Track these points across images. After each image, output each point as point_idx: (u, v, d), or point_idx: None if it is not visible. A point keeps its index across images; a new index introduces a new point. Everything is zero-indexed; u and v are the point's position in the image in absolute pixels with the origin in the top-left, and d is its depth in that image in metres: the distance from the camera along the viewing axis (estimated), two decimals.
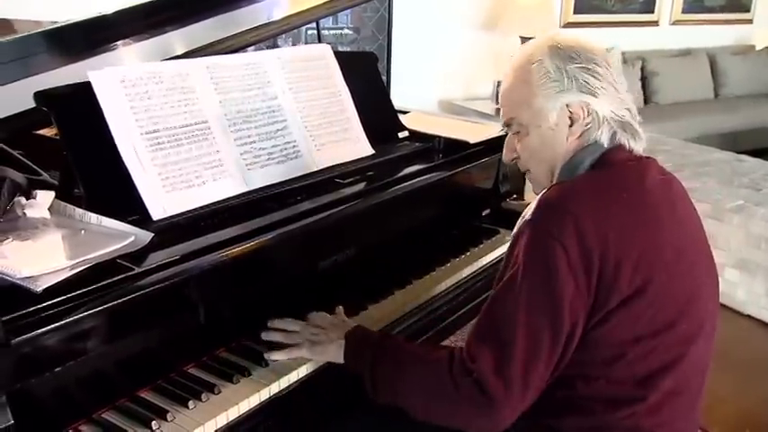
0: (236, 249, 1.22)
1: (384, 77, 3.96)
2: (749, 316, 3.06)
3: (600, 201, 1.09)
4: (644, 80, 5.33)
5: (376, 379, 1.17)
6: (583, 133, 1.15)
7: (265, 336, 1.29)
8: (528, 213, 1.12)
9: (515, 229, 1.17)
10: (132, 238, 1.12)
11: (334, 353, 1.23)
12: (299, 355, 1.24)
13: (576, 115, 1.14)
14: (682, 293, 1.12)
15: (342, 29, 4.02)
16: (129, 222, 1.18)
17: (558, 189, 1.12)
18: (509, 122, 1.23)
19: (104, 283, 1.04)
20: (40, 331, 0.95)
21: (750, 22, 6.20)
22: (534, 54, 1.16)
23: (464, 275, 1.66)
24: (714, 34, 5.87)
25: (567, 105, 1.14)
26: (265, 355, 1.24)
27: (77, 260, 1.04)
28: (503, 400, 1.06)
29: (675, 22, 5.73)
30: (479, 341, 1.09)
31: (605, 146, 1.15)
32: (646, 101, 5.28)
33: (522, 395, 1.07)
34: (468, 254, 1.73)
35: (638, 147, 1.17)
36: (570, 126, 1.15)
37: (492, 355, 1.06)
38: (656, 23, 5.64)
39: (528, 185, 2.25)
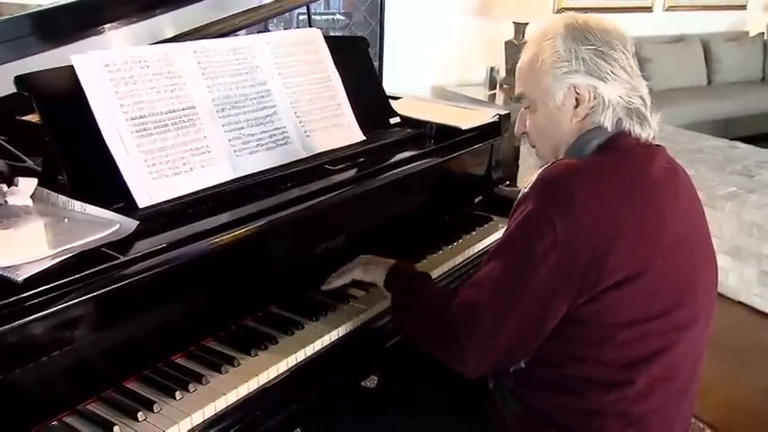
0: (224, 237, 1.20)
1: (376, 63, 3.93)
2: (741, 303, 3.07)
3: (599, 181, 1.09)
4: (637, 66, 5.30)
5: (394, 305, 1.31)
6: (586, 116, 1.16)
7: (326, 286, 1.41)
8: (528, 186, 1.14)
9: (516, 200, 1.18)
10: (117, 227, 1.10)
11: (379, 276, 1.35)
12: (353, 276, 1.39)
13: (582, 97, 1.15)
14: (678, 282, 1.12)
15: (333, 14, 3.98)
16: (114, 210, 1.16)
17: (559, 165, 1.13)
18: (520, 96, 1.24)
19: (88, 272, 1.02)
20: (21, 321, 0.94)
21: (744, 8, 6.18)
22: (549, 31, 1.17)
23: (456, 263, 1.64)
24: (708, 20, 5.85)
25: (575, 87, 1.14)
26: (323, 286, 1.40)
27: (60, 249, 1.02)
28: (468, 348, 1.11)
29: (669, 8, 5.71)
30: (463, 292, 1.16)
31: (609, 130, 1.14)
32: None
33: (488, 349, 1.11)
34: (460, 241, 1.72)
35: (645, 134, 1.16)
36: (575, 107, 1.16)
37: (466, 306, 1.13)
38: (649, 9, 5.62)
39: (521, 172, 2.25)
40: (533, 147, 1.28)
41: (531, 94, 1.20)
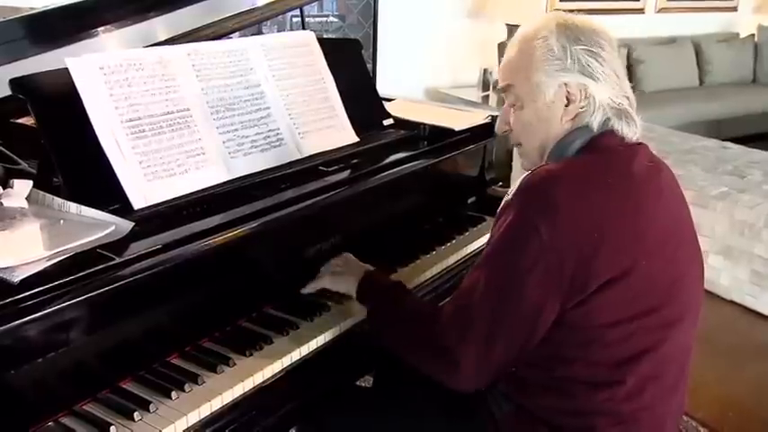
0: (218, 238, 1.21)
1: (370, 65, 3.94)
2: (732, 302, 3.09)
3: (582, 185, 1.09)
4: (629, 68, 5.33)
5: (374, 320, 1.29)
6: (577, 115, 1.15)
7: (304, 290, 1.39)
8: (510, 194, 1.14)
9: (499, 209, 1.18)
10: (112, 228, 1.10)
11: (350, 286, 1.33)
12: (322, 285, 1.37)
13: (573, 96, 1.14)
14: (664, 280, 1.12)
15: (327, 16, 3.99)
16: (109, 212, 1.17)
17: (541, 172, 1.12)
18: (505, 89, 1.23)
19: (84, 273, 1.03)
20: (17, 323, 0.94)
21: (734, 9, 6.23)
22: (541, 29, 1.17)
23: (449, 263, 1.65)
24: (699, 22, 5.89)
25: (566, 84, 1.14)
26: (302, 290, 1.38)
27: (56, 250, 1.02)
28: (463, 361, 1.10)
29: (661, 10, 5.75)
30: (452, 308, 1.15)
31: (595, 130, 1.15)
32: (631, 88, 5.27)
33: (484, 361, 1.10)
34: (453, 242, 1.73)
35: (632, 134, 1.17)
36: (566, 106, 1.15)
37: (459, 322, 1.12)
38: (641, 11, 5.65)
39: (514, 173, 2.25)
40: (517, 145, 1.26)
41: (519, 90, 1.19)
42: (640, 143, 1.19)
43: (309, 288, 1.38)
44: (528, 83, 1.17)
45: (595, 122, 1.15)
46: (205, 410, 1.10)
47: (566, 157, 1.16)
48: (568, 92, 1.14)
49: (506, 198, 1.15)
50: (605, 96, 1.14)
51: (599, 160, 1.14)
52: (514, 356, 1.12)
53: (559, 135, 1.17)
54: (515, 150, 1.30)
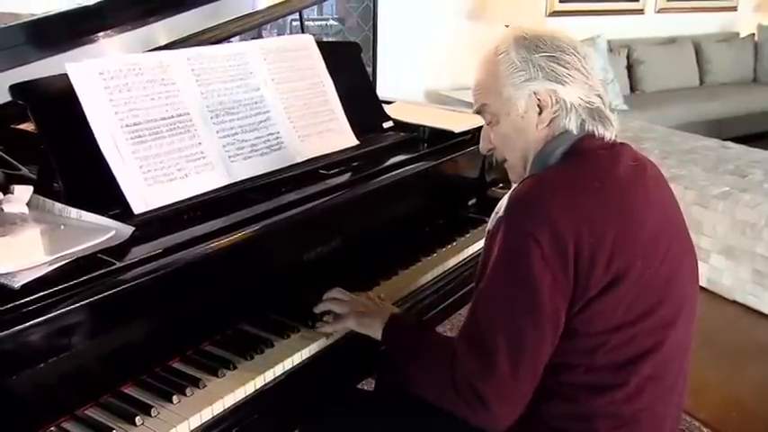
0: (219, 242, 1.21)
1: (370, 68, 3.94)
2: (735, 302, 3.09)
3: (572, 193, 1.09)
4: (630, 68, 5.34)
5: (401, 367, 1.24)
6: (552, 120, 1.16)
7: (318, 309, 1.34)
8: (501, 210, 1.13)
9: (489, 226, 1.18)
10: (113, 233, 1.10)
11: (375, 329, 1.28)
12: (346, 326, 1.31)
13: (544, 103, 1.15)
14: (660, 279, 1.12)
15: (327, 19, 4.00)
16: (109, 216, 1.17)
17: (529, 183, 1.12)
18: (480, 110, 1.24)
19: (85, 278, 1.03)
20: (18, 328, 0.94)
21: (734, 9, 6.23)
22: (500, 46, 1.18)
23: (450, 265, 1.65)
24: (699, 22, 5.89)
25: (535, 93, 1.15)
26: (317, 327, 1.31)
27: (57, 255, 1.03)
28: (495, 401, 1.08)
29: (661, 10, 5.75)
30: (466, 344, 1.12)
31: (575, 134, 1.15)
32: (632, 89, 5.30)
33: (515, 392, 1.09)
34: (454, 244, 1.73)
35: (609, 133, 1.17)
36: (539, 114, 1.16)
37: (478, 358, 1.09)
38: (641, 11, 5.65)
39: None
40: (503, 162, 1.27)
41: (493, 107, 1.20)
42: (622, 143, 1.19)
43: (330, 327, 1.32)
44: (499, 98, 1.18)
45: (572, 125, 1.15)
46: (207, 414, 1.10)
47: (549, 164, 1.16)
48: (539, 99, 1.15)
49: (497, 215, 1.14)
50: (575, 97, 1.14)
51: (584, 165, 1.14)
52: (540, 378, 1.10)
53: (539, 142, 1.18)
54: (505, 165, 1.30)
